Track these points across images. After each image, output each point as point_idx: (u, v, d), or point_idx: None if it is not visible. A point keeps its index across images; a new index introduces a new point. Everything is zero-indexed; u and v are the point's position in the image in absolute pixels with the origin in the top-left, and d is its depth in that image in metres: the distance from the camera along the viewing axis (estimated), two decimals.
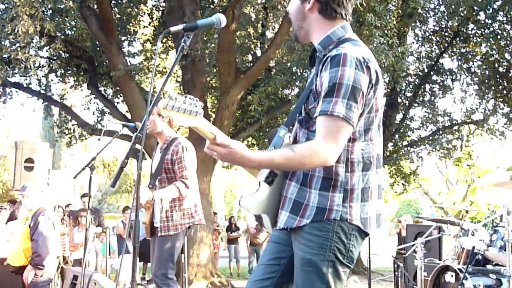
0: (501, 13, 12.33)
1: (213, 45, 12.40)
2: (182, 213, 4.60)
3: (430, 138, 16.07)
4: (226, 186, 41.74)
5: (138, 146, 2.72)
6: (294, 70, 13.06)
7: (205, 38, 11.67)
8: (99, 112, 14.41)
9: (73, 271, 6.20)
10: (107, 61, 11.86)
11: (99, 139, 12.37)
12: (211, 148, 2.20)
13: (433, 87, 15.73)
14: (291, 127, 2.47)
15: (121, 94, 12.79)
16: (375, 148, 2.34)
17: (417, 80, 15.68)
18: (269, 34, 14.05)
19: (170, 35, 12.12)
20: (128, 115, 12.00)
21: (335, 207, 2.24)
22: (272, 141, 2.35)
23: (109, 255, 9.57)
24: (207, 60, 12.29)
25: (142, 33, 14.05)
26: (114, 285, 4.71)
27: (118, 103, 14.12)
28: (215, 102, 14.11)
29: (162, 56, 14.38)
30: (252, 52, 14.29)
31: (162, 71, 14.33)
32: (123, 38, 13.19)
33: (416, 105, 16.03)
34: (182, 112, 2.08)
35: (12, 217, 8.93)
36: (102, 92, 13.68)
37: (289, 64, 12.75)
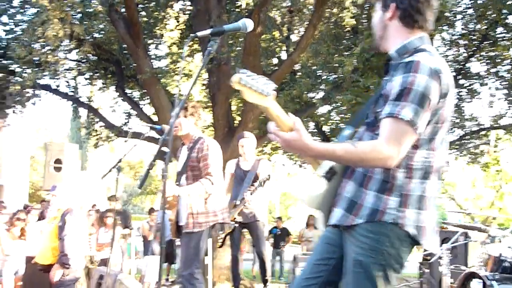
0: None
1: (239, 48, 12.45)
2: (207, 211, 4.64)
3: (457, 143, 15.87)
4: None
5: (165, 149, 2.77)
6: (319, 74, 13.06)
7: (230, 42, 11.72)
8: (126, 114, 14.57)
9: (99, 270, 6.30)
10: (134, 64, 12.00)
11: (125, 141, 12.49)
12: (275, 133, 2.23)
13: (461, 91, 15.51)
14: (356, 129, 2.50)
15: (148, 97, 12.92)
16: (437, 159, 2.36)
17: None
18: (294, 38, 14.04)
19: (197, 38, 12.22)
20: (154, 118, 12.12)
21: (388, 210, 2.26)
22: (338, 139, 2.42)
23: (135, 255, 9.68)
24: (233, 63, 12.35)
25: (169, 36, 14.17)
26: (140, 285, 4.76)
27: (144, 105, 14.26)
28: (240, 105, 14.15)
29: (188, 59, 14.50)
30: (277, 56, 14.30)
31: (188, 74, 14.42)
32: (149, 41, 13.31)
33: None
34: (254, 89, 2.09)
35: (41, 217, 9.10)
36: (129, 94, 13.83)
37: (314, 67, 12.74)
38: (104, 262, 7.85)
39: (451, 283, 5.85)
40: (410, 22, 2.40)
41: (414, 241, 2.32)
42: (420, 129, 2.22)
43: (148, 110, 14.05)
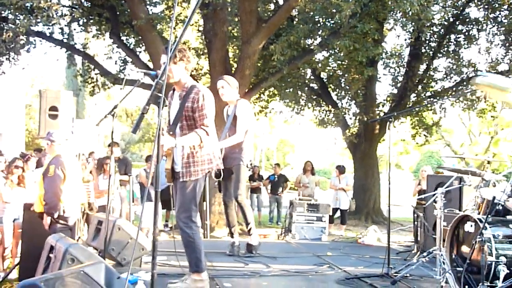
0: None
1: None
2: (202, 159, 4.69)
3: (454, 89, 15.82)
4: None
5: (159, 94, 2.75)
6: (316, 19, 12.87)
7: None
8: (122, 61, 14.46)
9: (98, 217, 6.37)
10: (128, 10, 11.80)
11: (121, 88, 12.42)
12: None
13: (458, 37, 15.38)
14: None
15: (143, 43, 12.77)
16: None
17: (442, 30, 15.34)
18: None
19: None
20: (150, 64, 12.02)
21: None
22: None
23: (133, 202, 9.78)
24: (229, 9, 12.15)
25: None
26: (137, 231, 4.83)
27: (140, 52, 14.12)
28: (237, 51, 14.02)
29: (184, 5, 14.26)
30: (274, 1, 14.07)
31: (184, 20, 14.19)
32: None
33: (440, 55, 15.73)
34: (493, 87, 2.21)
35: (39, 165, 9.14)
36: (124, 41, 13.67)
37: (311, 13, 12.55)
38: (103, 209, 7.95)
39: (444, 226, 5.94)
40: None
41: None
42: None
43: (144, 57, 13.92)
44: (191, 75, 4.97)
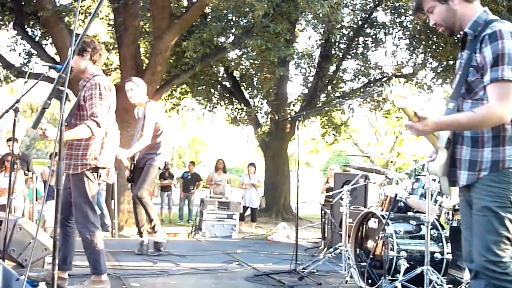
0: None
1: None
2: (85, 152, 4.41)
3: (362, 90, 16.39)
4: None
5: (61, 88, 2.63)
6: (229, 18, 12.89)
7: None
8: (26, 54, 13.78)
9: None
10: (34, 1, 11.29)
11: (25, 82, 11.84)
12: (410, 126, 2.70)
13: (366, 40, 15.93)
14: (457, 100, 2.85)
15: (50, 36, 12.25)
16: None
17: (351, 33, 15.82)
18: None
19: None
20: (57, 58, 11.56)
21: (507, 157, 2.67)
22: (445, 113, 2.82)
23: (36, 200, 9.39)
24: (141, 4, 11.92)
25: None
26: (40, 230, 4.62)
27: (46, 45, 13.53)
28: (149, 47, 13.79)
29: None
30: None
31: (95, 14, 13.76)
32: None
33: (349, 57, 16.23)
34: (399, 95, 2.61)
35: None
36: (30, 33, 13.05)
37: (225, 11, 12.56)
38: (3, 208, 7.56)
39: (350, 222, 6.13)
40: None
41: None
42: None
43: (51, 50, 13.36)
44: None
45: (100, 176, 4.58)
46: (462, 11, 2.83)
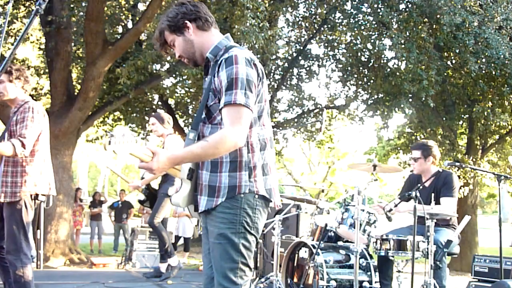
0: (365, 4, 12.94)
1: (82, 13, 11.84)
2: (24, 179, 4.31)
3: (296, 120, 16.63)
4: (90, 162, 40.34)
5: None
6: None
7: (72, 5, 11.09)
8: None
9: None
10: None
11: None
12: (143, 167, 2.59)
13: (300, 71, 16.22)
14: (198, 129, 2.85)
15: None
16: (267, 131, 2.84)
17: (286, 64, 16.10)
18: (141, 7, 13.71)
19: None
20: None
21: (243, 183, 2.67)
22: (185, 144, 2.76)
23: None
24: (74, 28, 11.73)
25: None
26: None
27: None
28: (81, 73, 13.54)
29: (25, 21, 13.51)
30: (122, 24, 13.84)
31: (24, 37, 13.42)
32: None
33: (284, 88, 16.47)
34: (122, 143, 2.50)
35: None
36: None
37: None
38: None
39: (281, 252, 6.14)
40: (206, 24, 2.87)
41: (267, 202, 2.78)
42: (253, 109, 2.67)
43: None
44: (30, 95, 4.69)
45: (38, 203, 4.45)
46: (199, 40, 2.86)
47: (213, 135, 2.64)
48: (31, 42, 14.00)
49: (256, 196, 2.70)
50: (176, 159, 2.61)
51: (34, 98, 12.43)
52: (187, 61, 2.93)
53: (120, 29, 13.75)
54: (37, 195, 4.41)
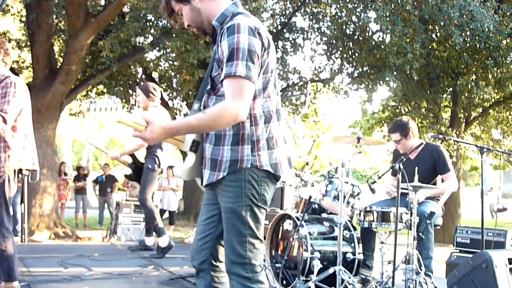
0: None
1: None
2: (7, 154, 4.30)
3: (281, 94, 16.58)
4: (74, 137, 40.02)
5: None
6: (148, 18, 12.72)
7: None
8: None
9: None
10: None
11: None
12: (137, 136, 2.52)
13: (285, 45, 16.15)
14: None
15: None
16: (273, 103, 2.71)
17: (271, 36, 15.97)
18: None
19: None
20: None
21: (245, 157, 2.59)
22: (190, 114, 2.65)
23: None
24: (56, 0, 11.53)
25: None
26: None
27: None
28: (63, 46, 13.36)
29: None
30: None
31: (4, 10, 13.19)
32: None
33: None
34: (104, 110, 2.47)
35: None
36: None
37: (143, 11, 12.37)
38: None
39: (266, 224, 6.17)
40: None
41: (273, 177, 2.68)
42: (255, 80, 2.54)
43: None
44: (11, 69, 4.63)
45: (21, 178, 4.46)
46: (206, 8, 2.73)
47: (212, 107, 2.58)
48: (11, 15, 13.73)
49: (259, 170, 2.61)
50: (172, 129, 2.54)
51: (16, 71, 12.27)
52: (197, 30, 2.83)
53: (102, 1, 13.54)
54: (20, 170, 4.40)
